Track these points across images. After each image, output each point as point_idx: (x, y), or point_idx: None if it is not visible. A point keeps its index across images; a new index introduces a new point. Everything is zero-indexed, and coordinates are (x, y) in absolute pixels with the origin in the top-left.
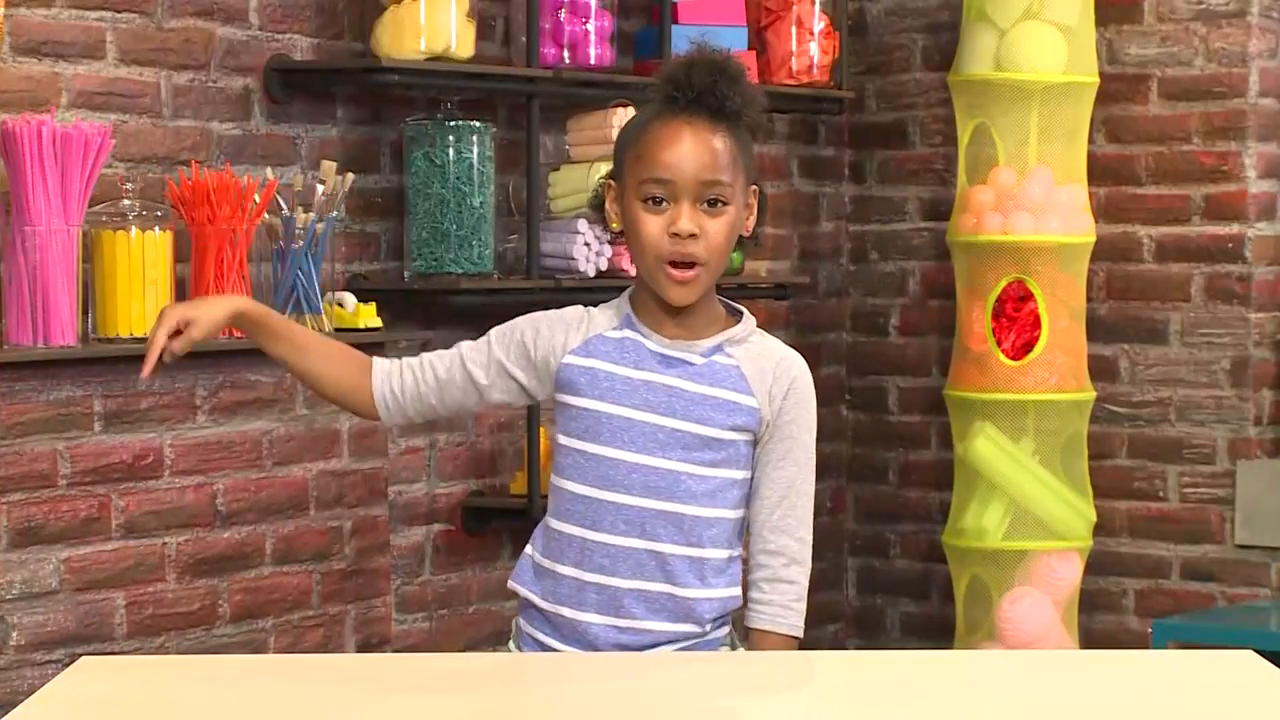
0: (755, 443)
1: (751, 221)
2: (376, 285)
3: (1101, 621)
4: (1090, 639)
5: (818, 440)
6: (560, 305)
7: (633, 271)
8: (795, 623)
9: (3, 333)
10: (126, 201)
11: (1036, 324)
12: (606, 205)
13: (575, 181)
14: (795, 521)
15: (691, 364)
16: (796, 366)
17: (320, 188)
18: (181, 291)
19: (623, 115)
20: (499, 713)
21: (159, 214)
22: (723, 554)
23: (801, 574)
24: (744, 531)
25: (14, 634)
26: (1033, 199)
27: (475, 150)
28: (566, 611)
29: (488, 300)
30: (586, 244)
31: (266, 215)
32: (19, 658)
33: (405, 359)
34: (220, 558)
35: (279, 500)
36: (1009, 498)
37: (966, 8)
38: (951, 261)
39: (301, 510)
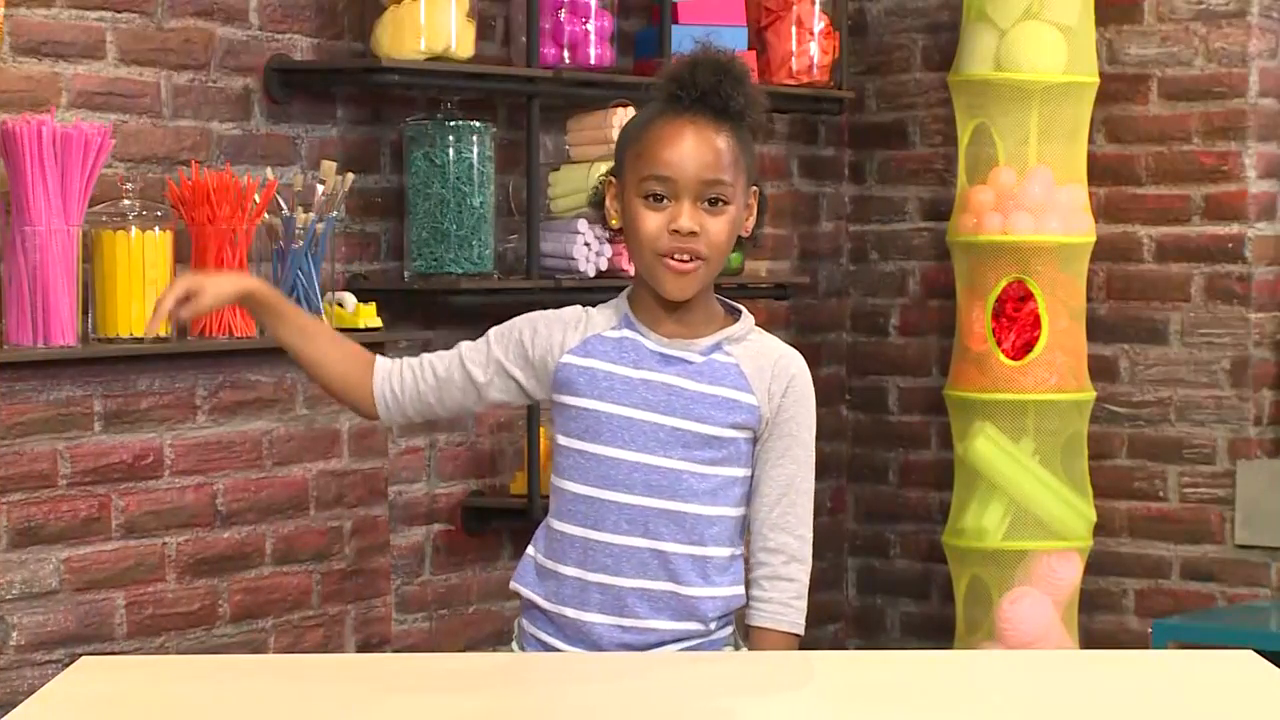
0: (755, 440)
1: (751, 222)
2: (376, 285)
3: (1101, 621)
4: (1090, 639)
5: (818, 440)
6: (560, 305)
7: (633, 271)
8: (796, 620)
9: (3, 333)
10: (126, 201)
11: (1036, 324)
12: (607, 202)
13: (575, 181)
14: (795, 519)
15: (690, 362)
16: (795, 364)
17: (320, 188)
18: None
19: (623, 115)
20: (499, 713)
21: (159, 214)
22: (725, 552)
23: (801, 571)
24: (745, 530)
25: (14, 634)
26: (1033, 199)
27: (475, 150)
28: (570, 612)
29: (488, 300)
30: (586, 244)
31: (266, 215)
32: (19, 658)
33: (405, 359)
34: (220, 558)
35: (279, 500)
36: (1009, 498)
37: (966, 8)
38: (951, 261)
39: (301, 510)
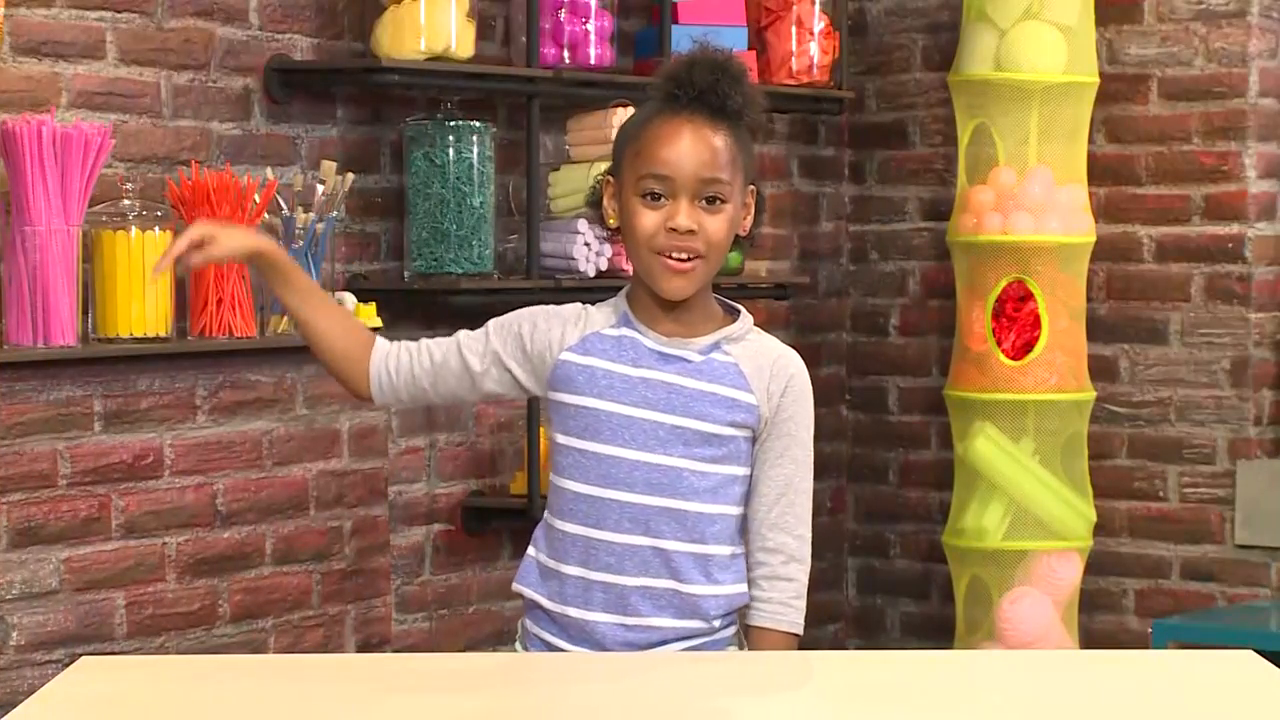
0: (754, 440)
1: (748, 221)
2: (376, 285)
3: (1101, 621)
4: (1090, 639)
5: (818, 440)
6: (560, 305)
7: (632, 271)
8: (795, 620)
9: (3, 333)
10: (126, 201)
11: (1036, 324)
12: (604, 201)
13: (575, 181)
14: (794, 519)
15: (690, 361)
16: (794, 364)
17: (320, 188)
18: (181, 291)
19: (623, 115)
20: (499, 713)
21: (159, 214)
22: (727, 550)
23: (800, 571)
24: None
25: (14, 634)
26: (1033, 199)
27: (475, 150)
28: (573, 611)
29: (488, 300)
30: (586, 244)
31: (266, 215)
32: (19, 658)
33: (404, 342)
34: (220, 558)
35: (279, 500)
36: (1009, 498)
37: (966, 8)
38: (951, 261)
39: (301, 510)
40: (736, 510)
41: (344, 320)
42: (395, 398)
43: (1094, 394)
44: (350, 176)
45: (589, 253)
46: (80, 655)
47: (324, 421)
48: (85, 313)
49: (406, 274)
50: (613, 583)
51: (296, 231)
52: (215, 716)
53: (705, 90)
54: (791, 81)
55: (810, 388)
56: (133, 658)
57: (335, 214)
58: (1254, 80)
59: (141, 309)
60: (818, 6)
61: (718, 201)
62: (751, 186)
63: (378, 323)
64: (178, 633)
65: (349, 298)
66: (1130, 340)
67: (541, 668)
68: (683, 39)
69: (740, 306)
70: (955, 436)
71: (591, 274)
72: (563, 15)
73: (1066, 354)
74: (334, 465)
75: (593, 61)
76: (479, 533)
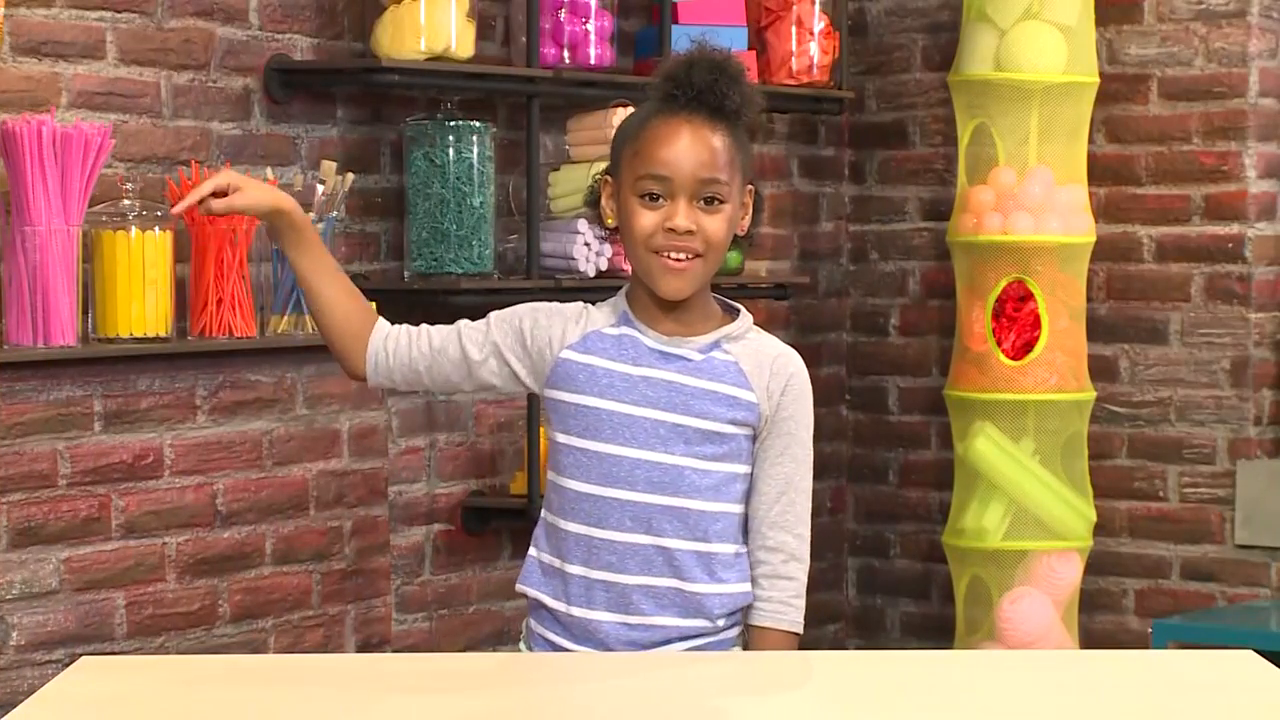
0: (754, 438)
1: (747, 221)
2: (376, 285)
3: (1101, 621)
4: (1090, 639)
5: (818, 440)
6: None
7: (631, 271)
8: (795, 619)
9: (3, 333)
10: (126, 201)
11: (1036, 324)
12: (602, 201)
13: (575, 181)
14: (794, 518)
15: (690, 359)
16: (793, 363)
17: (320, 188)
18: (181, 291)
19: (622, 115)
20: (499, 713)
21: (159, 214)
22: (730, 549)
23: (800, 570)
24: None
25: (14, 634)
26: (1033, 199)
27: (475, 150)
28: (576, 611)
29: (488, 300)
30: (586, 244)
31: None
32: (19, 658)
33: (405, 325)
34: (220, 558)
35: (279, 500)
36: (1009, 498)
37: (966, 8)
38: (951, 261)
39: (301, 510)
40: (738, 508)
41: (350, 295)
42: (389, 379)
43: (1094, 394)
44: (350, 176)
45: (589, 253)
46: (80, 655)
47: (324, 421)
48: (85, 313)
49: (406, 274)
50: (615, 581)
51: None
52: (215, 716)
53: (703, 90)
54: (791, 81)
55: (810, 387)
56: (133, 658)
57: (335, 214)
58: (1254, 80)
59: (141, 309)
60: (818, 6)
61: (716, 202)
62: (750, 186)
63: None
64: (178, 633)
65: None
66: (1130, 340)
67: (540, 668)
68: (682, 39)
69: (740, 306)
70: (955, 436)
71: (591, 274)
72: (563, 15)
73: (1066, 354)
74: (334, 465)
75: (593, 61)
76: (479, 533)
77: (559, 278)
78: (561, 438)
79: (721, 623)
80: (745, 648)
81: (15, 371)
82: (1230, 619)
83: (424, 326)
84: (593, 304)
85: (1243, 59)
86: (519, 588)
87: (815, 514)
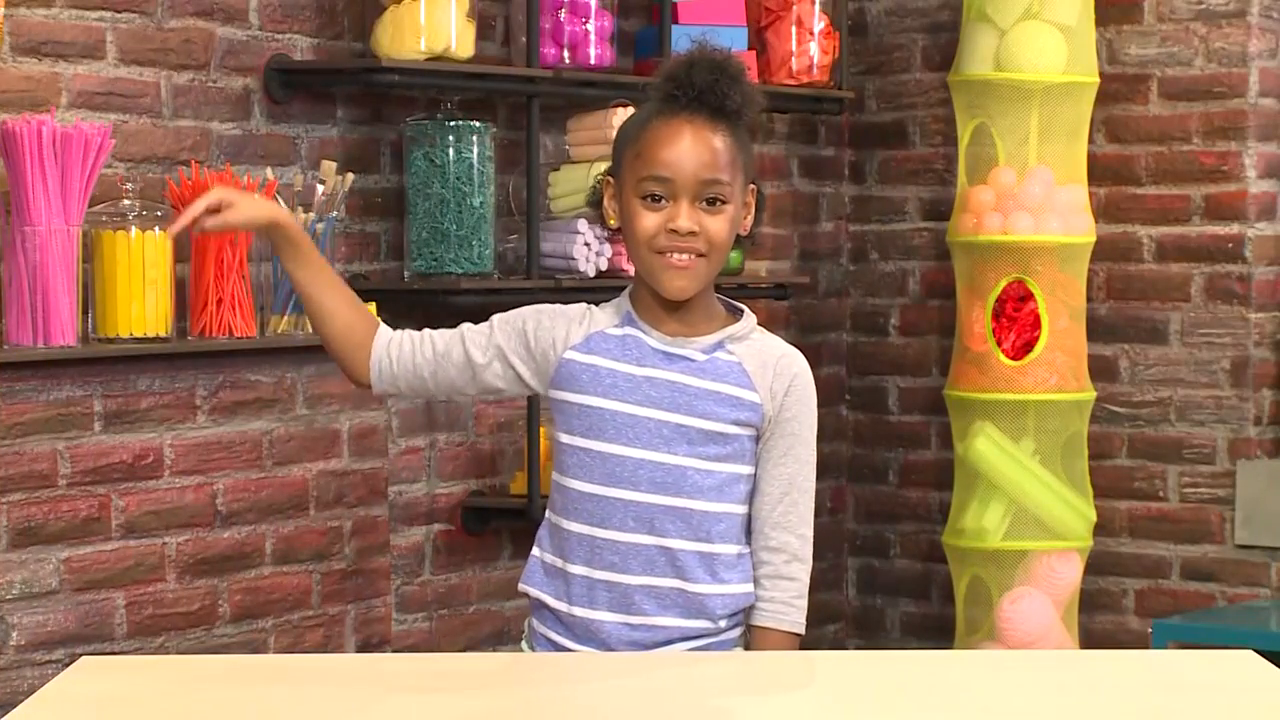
0: (758, 439)
1: (749, 221)
2: (376, 285)
3: (1101, 621)
4: (1090, 639)
5: (818, 440)
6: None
7: (633, 271)
8: (797, 619)
9: (3, 333)
10: (126, 201)
11: (1036, 324)
12: (605, 202)
13: (575, 181)
14: (796, 518)
15: (693, 360)
16: (797, 364)
17: (320, 188)
18: (181, 291)
19: (623, 115)
20: (498, 713)
21: (159, 214)
22: (733, 550)
23: (803, 571)
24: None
25: (14, 634)
26: (1033, 199)
27: (475, 150)
28: (579, 611)
29: (488, 300)
30: (586, 244)
31: None
32: (19, 658)
33: (407, 330)
34: (220, 558)
35: (279, 500)
36: (1009, 498)
37: (966, 8)
38: (951, 261)
39: (301, 510)
40: (741, 509)
41: (351, 303)
42: (394, 386)
43: (1094, 394)
44: (350, 176)
45: (589, 253)
46: (80, 655)
47: (324, 421)
48: (85, 313)
49: (406, 274)
50: (617, 581)
51: None
52: (215, 716)
53: (704, 90)
54: (791, 81)
55: (813, 387)
56: (133, 658)
57: (335, 214)
58: (1254, 80)
59: (141, 309)
60: (818, 6)
61: (718, 202)
62: (752, 186)
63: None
64: (178, 633)
65: None
66: (1130, 340)
67: (541, 668)
68: (682, 39)
69: (743, 306)
70: (955, 436)
71: (591, 274)
72: (563, 15)
73: (1066, 354)
74: (334, 465)
75: (593, 61)
76: (479, 533)
77: (559, 278)
78: (565, 438)
79: (723, 623)
80: (746, 648)
81: (15, 371)
82: (1230, 619)
83: (426, 332)
84: (595, 304)
85: (1243, 59)
86: (521, 587)
87: (816, 514)
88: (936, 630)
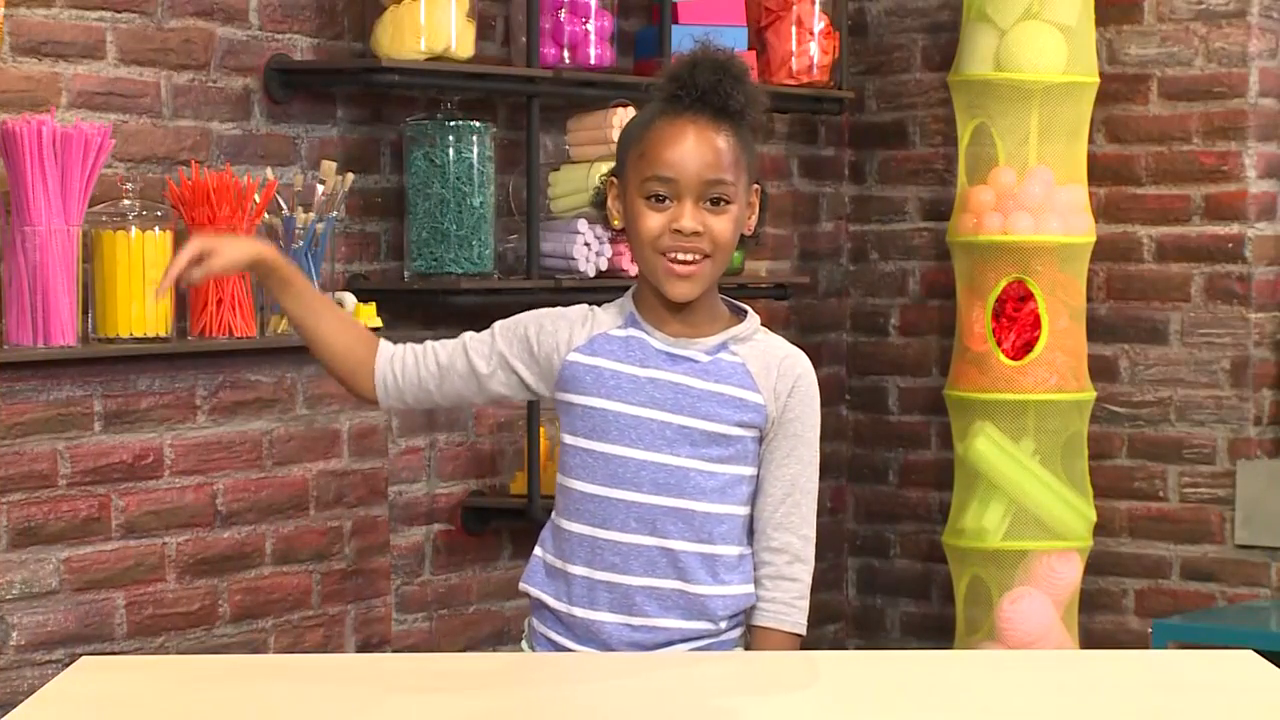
0: (761, 440)
1: (753, 220)
2: (376, 285)
3: (1101, 621)
4: (1090, 639)
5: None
6: (561, 305)
7: (633, 271)
8: (798, 620)
9: (3, 333)
10: (126, 201)
11: (1036, 324)
12: (608, 202)
13: (575, 181)
14: (799, 519)
15: (697, 361)
16: (801, 364)
17: (320, 188)
18: (181, 291)
19: (623, 115)
20: (498, 713)
21: (159, 214)
22: (734, 551)
23: (804, 571)
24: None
25: (14, 634)
26: (1033, 199)
27: (475, 150)
28: (579, 611)
29: (488, 300)
30: (586, 244)
31: (266, 215)
32: (19, 658)
33: (409, 344)
34: (220, 558)
35: (279, 500)
36: (1009, 498)
37: (966, 8)
38: (951, 261)
39: (301, 510)
40: (743, 510)
41: (346, 324)
42: (400, 400)
43: (1094, 394)
44: (350, 176)
45: (589, 253)
46: (80, 655)
47: (324, 421)
48: (85, 313)
49: (406, 274)
50: (618, 582)
51: (296, 232)
52: (215, 716)
53: (708, 91)
54: (791, 81)
55: (817, 388)
56: (133, 658)
57: (335, 214)
58: (1254, 80)
59: (141, 309)
60: (818, 6)
61: (723, 202)
62: (756, 185)
63: (378, 323)
64: (178, 633)
65: (349, 298)
66: (1130, 340)
67: (542, 668)
68: (683, 39)
69: (747, 307)
70: (955, 436)
71: (591, 274)
72: (563, 15)
73: (1066, 354)
74: (334, 465)
75: (593, 61)
76: (479, 533)
77: (559, 278)
78: (569, 439)
79: (724, 624)
80: (747, 648)
81: (15, 371)
82: (1230, 619)
83: (428, 344)
84: (598, 305)
85: (1243, 59)
86: (522, 587)
87: (816, 514)
88: (936, 630)
